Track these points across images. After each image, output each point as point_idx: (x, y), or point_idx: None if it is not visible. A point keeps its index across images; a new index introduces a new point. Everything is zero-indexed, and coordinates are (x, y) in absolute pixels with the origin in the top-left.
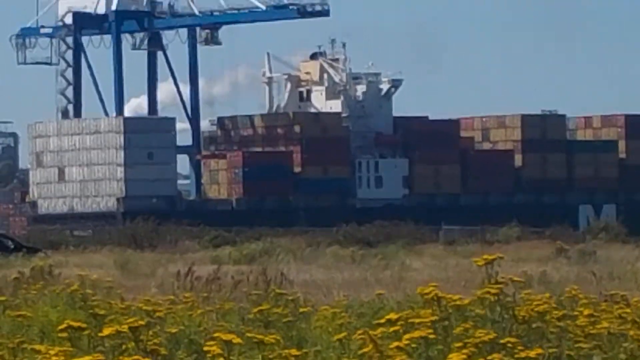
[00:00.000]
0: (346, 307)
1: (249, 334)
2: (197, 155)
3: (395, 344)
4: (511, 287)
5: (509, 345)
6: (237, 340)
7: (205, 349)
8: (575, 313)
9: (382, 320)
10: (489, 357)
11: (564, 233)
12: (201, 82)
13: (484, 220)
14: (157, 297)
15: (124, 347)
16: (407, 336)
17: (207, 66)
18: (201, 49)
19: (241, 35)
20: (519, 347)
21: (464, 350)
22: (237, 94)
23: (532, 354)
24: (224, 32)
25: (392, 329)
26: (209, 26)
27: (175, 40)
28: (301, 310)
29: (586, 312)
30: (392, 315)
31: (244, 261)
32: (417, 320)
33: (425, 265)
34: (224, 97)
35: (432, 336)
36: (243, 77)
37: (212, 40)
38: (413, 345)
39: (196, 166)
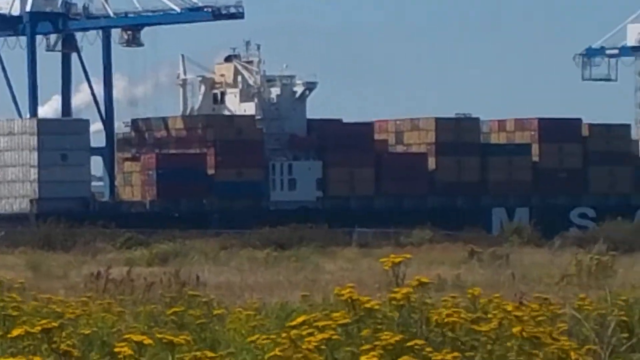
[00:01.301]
0: (259, 309)
1: (159, 335)
2: (114, 157)
3: (305, 345)
4: (423, 289)
5: (417, 347)
6: (148, 341)
7: (116, 350)
8: (490, 316)
9: (294, 323)
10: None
11: (477, 236)
12: (123, 83)
13: (397, 223)
14: (70, 299)
15: (38, 347)
16: (311, 339)
17: (130, 67)
18: (124, 50)
19: (163, 37)
20: (428, 349)
21: (373, 352)
22: (159, 95)
23: (448, 357)
24: (146, 33)
25: (305, 332)
26: (131, 27)
27: (96, 42)
28: (215, 312)
29: (500, 315)
30: (305, 317)
31: (157, 263)
32: (321, 323)
33: (339, 267)
34: (147, 98)
35: (335, 337)
36: (165, 78)
37: (134, 41)
38: (322, 347)
39: (110, 168)
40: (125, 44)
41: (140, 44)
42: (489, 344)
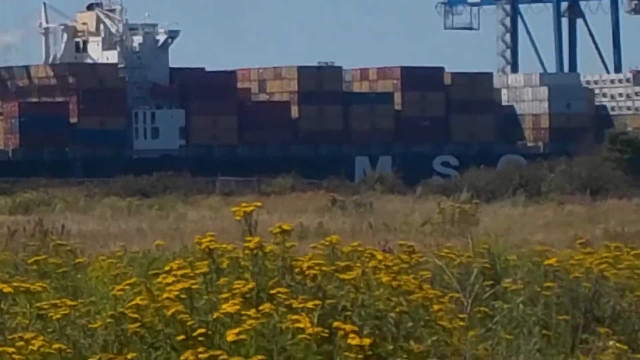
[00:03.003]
0: (121, 258)
1: (16, 283)
2: None
3: (165, 295)
4: (283, 237)
5: (279, 295)
6: (7, 289)
7: None
8: (357, 265)
9: (158, 271)
10: (260, 308)
11: (340, 184)
12: None
13: (261, 172)
14: None
15: None
16: (171, 288)
17: (11, 14)
18: None
19: None
20: (284, 296)
21: (234, 301)
22: (31, 43)
23: (309, 304)
24: None
25: (167, 280)
26: None
27: None
28: (77, 260)
29: (371, 263)
30: (173, 265)
31: (20, 211)
32: (180, 272)
33: (202, 216)
34: (19, 46)
35: (195, 287)
36: (37, 26)
37: None
38: (182, 296)
39: None
40: None
41: None
42: (352, 292)
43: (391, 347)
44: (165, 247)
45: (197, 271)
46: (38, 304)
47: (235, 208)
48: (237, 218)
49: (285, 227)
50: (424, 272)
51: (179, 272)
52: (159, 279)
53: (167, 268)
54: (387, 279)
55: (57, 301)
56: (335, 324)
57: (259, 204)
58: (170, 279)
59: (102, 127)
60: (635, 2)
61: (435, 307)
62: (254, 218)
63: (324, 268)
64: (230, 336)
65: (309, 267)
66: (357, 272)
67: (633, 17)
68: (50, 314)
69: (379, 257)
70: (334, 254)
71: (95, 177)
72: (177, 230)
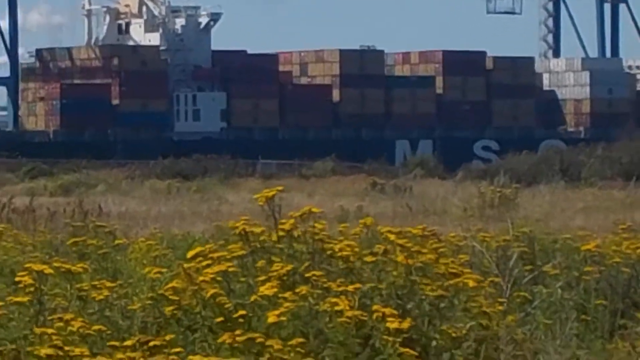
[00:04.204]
0: (161, 239)
1: (56, 264)
2: (18, 87)
3: (201, 278)
4: (310, 219)
5: (314, 278)
6: (48, 270)
7: (17, 279)
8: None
9: (193, 253)
10: (297, 290)
11: (381, 168)
12: (46, 10)
13: (302, 155)
14: None
15: None
16: (207, 271)
17: None
18: None
19: None
20: (323, 280)
21: (272, 283)
22: (79, 24)
23: (350, 287)
24: None
25: (204, 263)
26: None
27: None
28: (117, 242)
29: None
30: (199, 249)
31: (61, 193)
32: (215, 255)
33: (242, 198)
34: (68, 27)
35: (231, 269)
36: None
37: None
38: (218, 279)
39: (14, 98)
40: None
41: None
42: (381, 272)
43: (429, 331)
44: (205, 230)
45: (234, 254)
46: (78, 285)
47: (257, 195)
48: (260, 203)
49: (314, 209)
50: (462, 255)
51: (215, 255)
52: (194, 263)
53: (199, 250)
54: (401, 258)
55: (97, 282)
56: (375, 307)
57: (280, 187)
58: (205, 262)
59: (143, 109)
60: None
61: (471, 284)
62: (276, 202)
63: (356, 250)
64: (272, 317)
65: (340, 250)
66: (387, 254)
67: None
68: (91, 296)
69: (391, 237)
70: (373, 236)
71: (136, 159)
72: (216, 213)
